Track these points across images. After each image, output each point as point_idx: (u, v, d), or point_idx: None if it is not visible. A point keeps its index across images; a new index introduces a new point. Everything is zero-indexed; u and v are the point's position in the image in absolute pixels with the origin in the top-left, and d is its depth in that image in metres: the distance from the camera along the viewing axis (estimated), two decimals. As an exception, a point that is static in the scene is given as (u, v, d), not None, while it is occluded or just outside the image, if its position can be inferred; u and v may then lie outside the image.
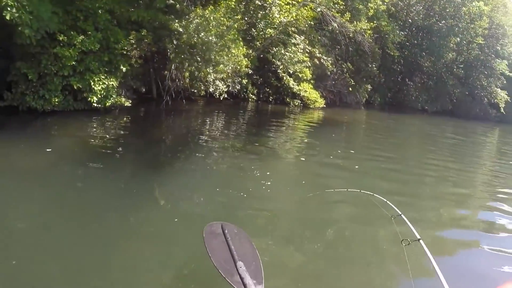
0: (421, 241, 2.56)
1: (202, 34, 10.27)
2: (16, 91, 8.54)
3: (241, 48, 13.26)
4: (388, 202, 3.52)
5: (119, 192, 5.05)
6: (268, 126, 12.07)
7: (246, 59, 14.26)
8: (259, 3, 15.63)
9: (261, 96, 18.02)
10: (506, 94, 38.53)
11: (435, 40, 27.08)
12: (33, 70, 8.46)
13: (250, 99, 17.49)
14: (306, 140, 10.81)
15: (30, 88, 8.56)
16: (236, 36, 12.68)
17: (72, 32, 8.79)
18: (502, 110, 38.71)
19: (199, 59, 10.91)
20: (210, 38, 10.83)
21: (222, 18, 10.76)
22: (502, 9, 35.15)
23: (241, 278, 2.02)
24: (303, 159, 8.36)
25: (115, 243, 3.72)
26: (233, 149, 8.02)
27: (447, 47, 28.43)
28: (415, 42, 26.16)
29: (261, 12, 15.58)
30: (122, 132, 8.62)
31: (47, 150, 6.48)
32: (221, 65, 12.35)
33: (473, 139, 18.93)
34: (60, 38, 8.55)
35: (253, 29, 16.49)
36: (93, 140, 7.41)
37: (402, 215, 3.10)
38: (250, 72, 16.65)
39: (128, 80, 10.74)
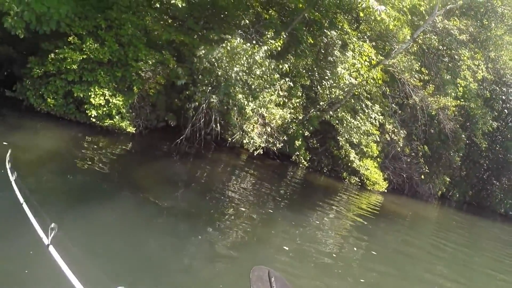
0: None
1: (226, 65, 8.68)
2: (22, 85, 8.11)
3: (274, 96, 11.26)
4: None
5: None
6: (309, 201, 9.80)
7: (283, 112, 12.22)
8: (331, 59, 13.88)
9: (316, 164, 15.61)
10: None
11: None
12: (40, 67, 7.91)
13: (301, 165, 15.17)
14: (338, 234, 8.15)
15: (34, 85, 8.09)
16: (273, 80, 10.70)
17: (88, 38, 8.07)
18: None
19: (226, 98, 9.32)
20: (234, 73, 9.13)
21: (258, 57, 8.97)
22: None
23: None
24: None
25: None
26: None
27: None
28: (509, 136, 21.47)
29: (330, 70, 13.74)
30: (109, 162, 7.28)
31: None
32: (247, 111, 10.36)
33: None
34: (70, 39, 7.86)
35: (318, 87, 14.68)
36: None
37: None
38: (306, 134, 14.59)
39: (144, 105, 9.43)
